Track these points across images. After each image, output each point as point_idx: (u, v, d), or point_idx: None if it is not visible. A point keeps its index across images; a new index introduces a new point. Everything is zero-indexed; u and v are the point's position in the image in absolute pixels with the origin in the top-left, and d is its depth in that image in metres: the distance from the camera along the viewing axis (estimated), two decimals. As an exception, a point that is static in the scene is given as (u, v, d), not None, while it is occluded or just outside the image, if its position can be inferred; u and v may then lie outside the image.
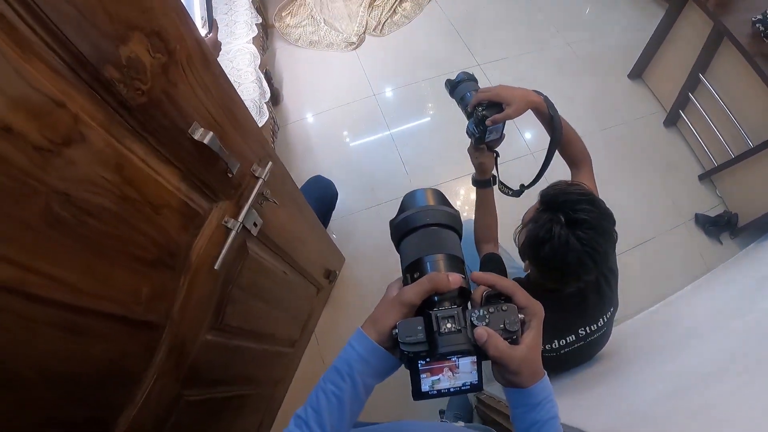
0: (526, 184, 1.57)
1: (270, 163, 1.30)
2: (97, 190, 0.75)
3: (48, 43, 0.64)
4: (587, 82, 3.31)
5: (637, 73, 3.32)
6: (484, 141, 1.38)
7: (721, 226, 2.67)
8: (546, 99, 1.40)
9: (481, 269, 1.49)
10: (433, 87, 3.32)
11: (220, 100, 1.05)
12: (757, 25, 2.34)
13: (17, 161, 0.60)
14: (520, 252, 1.32)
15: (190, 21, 0.90)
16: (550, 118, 1.38)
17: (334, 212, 2.55)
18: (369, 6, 3.71)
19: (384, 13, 3.71)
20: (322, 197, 2.31)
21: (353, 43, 3.58)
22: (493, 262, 1.49)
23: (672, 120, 3.08)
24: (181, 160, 0.96)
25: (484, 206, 1.56)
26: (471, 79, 1.44)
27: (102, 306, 0.82)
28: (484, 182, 1.51)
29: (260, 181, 1.25)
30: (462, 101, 1.41)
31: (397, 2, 3.79)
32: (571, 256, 1.12)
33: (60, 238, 0.71)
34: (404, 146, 3.04)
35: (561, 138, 1.39)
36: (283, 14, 3.84)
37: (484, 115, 1.31)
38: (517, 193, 1.57)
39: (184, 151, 0.96)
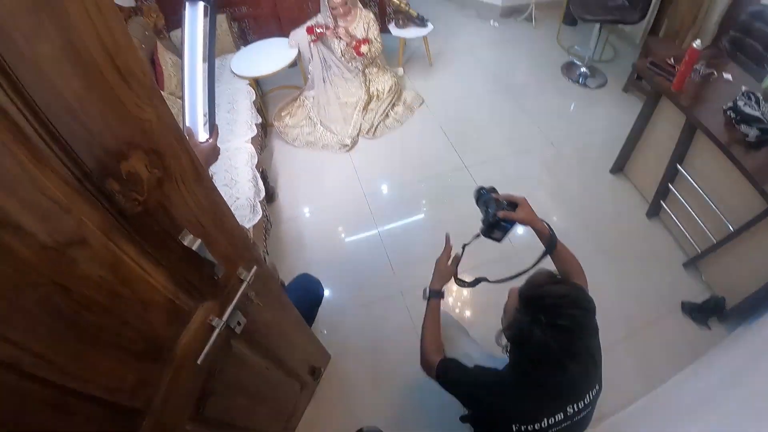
0: (489, 279, 1.76)
1: (255, 267, 1.37)
2: (93, 286, 0.82)
3: (59, 157, 0.73)
4: (572, 180, 3.47)
5: (619, 167, 3.46)
6: (489, 232, 1.67)
7: (708, 311, 2.66)
8: (552, 234, 1.59)
9: (445, 385, 1.58)
10: (422, 188, 3.46)
11: (210, 211, 1.13)
12: (728, 113, 2.48)
13: (24, 255, 0.67)
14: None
15: (184, 140, 1.00)
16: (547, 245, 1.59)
17: (322, 308, 2.55)
18: (363, 110, 3.92)
19: (377, 117, 3.93)
20: (308, 295, 2.35)
21: (347, 145, 3.77)
22: (453, 371, 1.57)
23: (654, 211, 3.16)
24: (171, 263, 1.03)
25: (435, 316, 1.69)
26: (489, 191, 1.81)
27: (89, 389, 0.86)
28: (440, 293, 1.68)
29: (245, 284, 1.32)
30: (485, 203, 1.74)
31: (389, 107, 4.03)
32: (552, 356, 1.19)
33: (55, 325, 0.76)
34: (392, 245, 3.11)
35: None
36: (282, 114, 4.05)
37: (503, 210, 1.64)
38: (473, 284, 1.75)
39: (174, 254, 1.02)
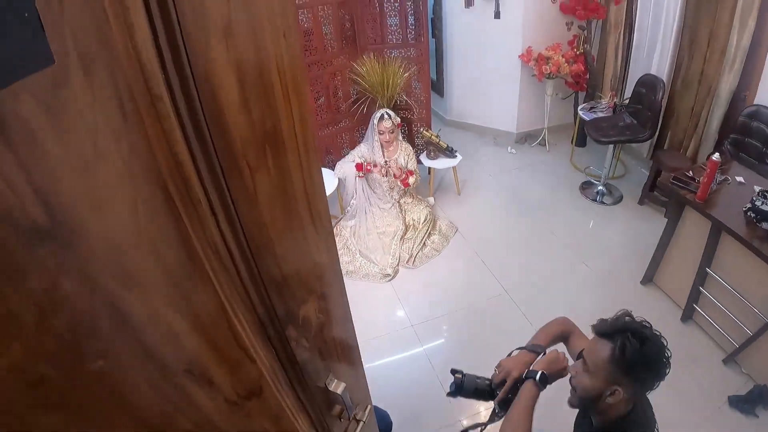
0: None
1: (368, 406, 1.27)
2: None
3: (253, 301, 0.67)
4: (604, 295, 3.45)
5: (649, 277, 3.47)
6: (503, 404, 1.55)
7: (754, 401, 2.66)
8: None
9: None
10: (462, 316, 3.40)
11: (347, 356, 1.07)
12: (748, 213, 2.60)
13: (208, 410, 0.63)
14: (593, 396, 1.39)
15: (343, 284, 0.95)
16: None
17: None
18: (401, 239, 3.93)
19: (415, 246, 3.92)
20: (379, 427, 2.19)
21: (389, 274, 3.72)
22: None
23: (688, 314, 3.16)
24: (314, 408, 0.95)
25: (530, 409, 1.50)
26: (462, 374, 1.65)
27: None
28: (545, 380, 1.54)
29: (361, 424, 1.21)
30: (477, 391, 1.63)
31: (426, 236, 4.04)
32: (664, 346, 1.39)
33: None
34: (443, 371, 2.94)
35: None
36: (320, 244, 4.03)
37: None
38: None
39: (318, 398, 0.95)
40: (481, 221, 4.37)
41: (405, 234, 4.00)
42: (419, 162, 4.48)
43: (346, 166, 3.95)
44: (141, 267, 0.49)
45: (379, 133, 3.80)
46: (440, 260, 3.93)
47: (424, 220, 4.07)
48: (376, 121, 3.77)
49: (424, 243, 4.00)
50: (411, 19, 4.31)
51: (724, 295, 2.84)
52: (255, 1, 0.55)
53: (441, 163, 4.47)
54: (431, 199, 4.55)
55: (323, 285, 0.84)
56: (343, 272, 3.54)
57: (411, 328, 3.30)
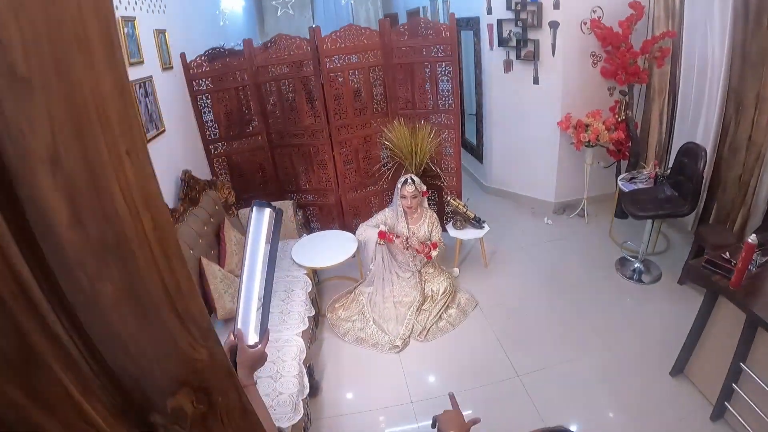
0: None
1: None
2: None
3: (107, 389, 0.71)
4: (629, 385, 3.20)
5: (679, 369, 3.20)
6: None
7: None
8: None
9: None
10: (471, 397, 3.25)
11: None
12: None
13: None
14: None
15: (234, 377, 0.96)
16: None
17: None
18: (417, 310, 3.88)
19: (430, 319, 3.86)
20: None
21: (398, 346, 3.67)
22: None
23: (719, 413, 2.86)
24: None
25: None
26: None
27: None
28: None
29: None
30: None
31: (443, 309, 3.96)
32: None
33: None
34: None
35: None
36: (336, 305, 4.07)
37: None
38: None
39: None
40: (505, 297, 4.25)
41: (422, 305, 3.96)
42: (444, 230, 4.49)
43: (369, 231, 3.99)
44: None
45: (402, 198, 3.84)
46: (454, 335, 3.83)
47: (443, 292, 4.02)
48: (399, 185, 3.82)
49: (440, 316, 3.93)
50: (443, 85, 4.36)
51: (759, 395, 2.56)
52: (88, 125, 0.59)
53: (467, 234, 4.44)
54: (456, 270, 4.51)
55: (201, 379, 0.86)
56: (354, 339, 3.60)
57: (410, 405, 3.21)
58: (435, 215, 4.02)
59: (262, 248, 1.48)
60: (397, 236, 3.90)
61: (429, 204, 4.73)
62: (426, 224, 3.97)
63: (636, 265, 4.31)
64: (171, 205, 3.25)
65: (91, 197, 0.61)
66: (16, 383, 0.60)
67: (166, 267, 0.73)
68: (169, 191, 3.40)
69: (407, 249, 3.89)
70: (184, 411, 0.84)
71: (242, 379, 1.43)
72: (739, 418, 2.72)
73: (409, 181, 3.78)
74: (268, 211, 1.45)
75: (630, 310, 3.97)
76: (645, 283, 4.21)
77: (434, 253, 3.89)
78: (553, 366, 3.44)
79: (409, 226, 3.97)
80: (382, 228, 3.92)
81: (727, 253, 2.81)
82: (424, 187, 3.93)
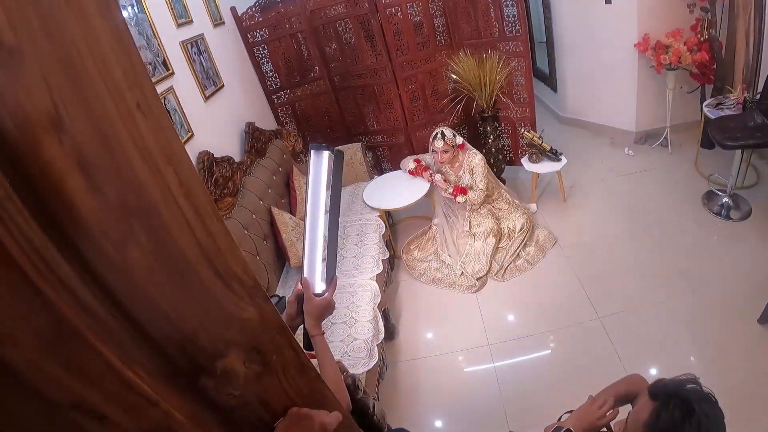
0: None
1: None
2: None
3: (150, 356, 0.68)
4: (713, 331, 2.99)
5: None
6: None
7: None
8: None
9: None
10: (550, 340, 3.17)
11: (312, 399, 1.04)
12: None
13: None
14: None
15: (288, 333, 0.93)
16: None
17: None
18: (494, 248, 3.78)
19: (508, 257, 3.76)
20: None
21: (475, 285, 3.61)
22: None
23: None
24: None
25: None
26: None
27: None
28: None
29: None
30: None
31: (521, 247, 3.85)
32: (713, 427, 1.14)
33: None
34: (513, 404, 2.82)
35: None
36: (411, 247, 4.04)
37: None
38: None
39: None
40: (585, 233, 4.05)
41: (499, 242, 3.85)
42: (519, 165, 4.31)
43: (410, 163, 4.03)
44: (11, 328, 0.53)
45: (433, 152, 3.72)
46: (532, 274, 3.72)
47: (521, 229, 3.89)
48: (431, 139, 3.68)
49: (518, 254, 3.82)
50: (508, 10, 4.08)
51: None
52: (88, 83, 0.54)
53: (543, 168, 4.24)
54: (533, 206, 4.35)
55: (252, 339, 0.83)
56: (431, 279, 3.58)
57: (487, 347, 3.17)
58: (480, 161, 3.75)
59: (323, 193, 1.43)
60: (425, 169, 3.84)
61: (502, 136, 4.56)
62: (466, 174, 3.79)
63: (724, 200, 3.95)
64: (237, 159, 3.27)
65: (105, 159, 0.57)
66: (55, 359, 0.58)
67: (198, 225, 0.69)
68: (234, 145, 3.42)
69: (431, 181, 3.83)
70: (236, 372, 0.82)
71: (309, 329, 1.42)
72: None
73: (439, 136, 3.60)
74: (326, 153, 1.40)
75: (717, 249, 3.67)
76: (734, 220, 3.85)
77: (461, 199, 3.74)
78: (634, 308, 3.27)
79: (451, 175, 3.86)
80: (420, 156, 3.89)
81: None
82: (460, 140, 3.73)
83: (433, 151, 3.68)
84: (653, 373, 2.83)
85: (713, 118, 3.92)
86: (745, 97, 3.91)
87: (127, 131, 0.58)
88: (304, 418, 0.94)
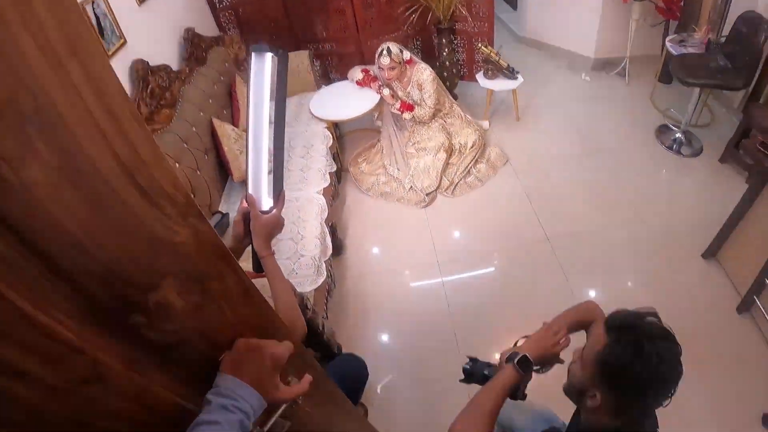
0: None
1: (311, 377, 1.19)
2: (115, 418, 0.70)
3: (67, 296, 0.59)
4: (659, 262, 3.10)
5: (712, 252, 3.06)
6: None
7: None
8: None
9: None
10: (498, 257, 3.21)
11: (260, 327, 0.97)
12: None
13: (32, 400, 0.57)
14: (578, 389, 1.26)
15: (229, 257, 0.84)
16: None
17: (377, 380, 2.47)
18: (444, 164, 3.73)
19: (458, 173, 3.73)
20: (351, 377, 2.13)
21: (424, 200, 3.57)
22: None
23: (745, 306, 2.77)
24: (211, 383, 0.87)
25: (503, 393, 1.33)
26: (474, 361, 1.55)
27: None
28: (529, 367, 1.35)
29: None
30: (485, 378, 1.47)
31: (471, 163, 3.81)
32: (664, 366, 1.09)
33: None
34: (461, 320, 2.86)
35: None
36: (359, 160, 3.94)
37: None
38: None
39: (214, 374, 0.87)
40: (537, 154, 4.05)
41: (449, 158, 3.79)
42: (474, 81, 4.20)
43: (356, 72, 3.85)
44: None
45: (379, 69, 3.55)
46: (482, 192, 3.71)
47: (472, 146, 3.83)
48: (377, 55, 3.49)
49: (469, 171, 3.79)
50: None
51: None
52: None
53: (498, 84, 4.15)
54: (485, 123, 4.28)
55: (186, 265, 0.73)
56: (378, 193, 3.52)
57: (435, 263, 3.18)
58: (429, 76, 3.60)
59: (267, 101, 1.30)
60: (374, 80, 3.70)
61: (458, 50, 4.40)
62: (414, 90, 3.66)
63: (677, 135, 4.02)
64: (175, 67, 3.03)
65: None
66: None
67: (113, 131, 0.57)
68: (172, 53, 3.16)
69: (379, 93, 3.69)
70: (171, 305, 0.72)
71: (258, 250, 1.32)
72: (766, 315, 2.60)
73: (384, 52, 3.41)
74: (269, 55, 1.26)
75: (666, 182, 3.77)
76: (684, 156, 3.93)
77: (407, 115, 3.65)
78: (583, 231, 3.33)
79: (399, 90, 3.72)
80: (372, 73, 3.73)
81: None
82: (407, 55, 3.55)
83: (380, 68, 3.52)
84: (593, 294, 2.92)
85: (675, 54, 3.93)
86: (709, 38, 3.91)
87: (19, 14, 0.45)
88: (252, 350, 0.86)
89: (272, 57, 1.25)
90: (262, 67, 1.26)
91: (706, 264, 3.06)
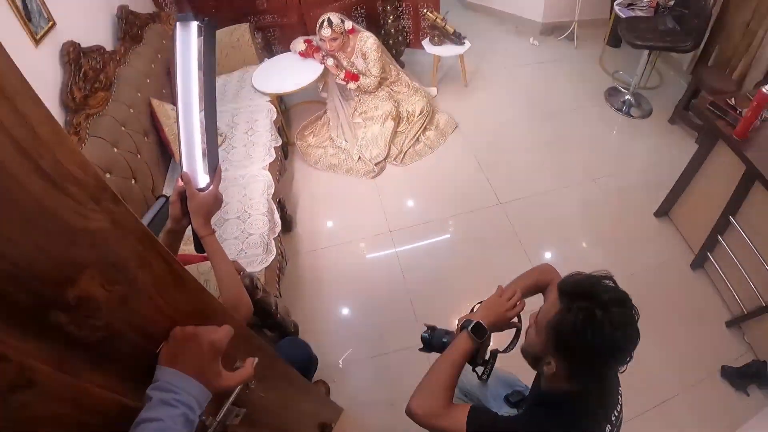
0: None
1: (255, 359, 1.14)
2: (55, 424, 0.66)
3: None
4: (613, 222, 3.18)
5: (664, 211, 3.16)
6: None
7: (748, 377, 2.42)
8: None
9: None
10: (452, 225, 3.21)
11: (199, 312, 0.92)
12: None
13: None
14: (534, 355, 1.24)
15: (154, 242, 0.78)
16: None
17: (335, 355, 2.50)
18: (392, 132, 3.68)
19: (407, 142, 3.70)
20: (297, 362, 2.09)
21: (373, 171, 3.54)
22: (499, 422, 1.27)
23: (699, 263, 2.88)
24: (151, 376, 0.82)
25: (460, 359, 1.33)
26: (432, 329, 1.53)
27: None
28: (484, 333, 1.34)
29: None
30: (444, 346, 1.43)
31: (420, 131, 3.78)
32: (618, 333, 1.06)
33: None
34: (417, 288, 2.87)
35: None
36: (305, 133, 3.86)
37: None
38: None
39: (153, 367, 0.82)
40: (486, 120, 4.04)
41: (397, 126, 3.74)
42: (420, 48, 4.15)
43: (298, 44, 3.79)
44: None
45: (321, 41, 3.49)
46: (432, 159, 3.70)
47: (420, 113, 3.79)
48: (317, 27, 3.41)
49: (418, 138, 3.76)
50: None
51: (743, 253, 2.48)
52: None
53: (445, 50, 4.11)
54: (433, 90, 4.24)
55: (106, 254, 0.67)
56: (326, 166, 3.48)
57: (388, 234, 3.17)
58: (373, 45, 3.53)
59: (195, 73, 1.22)
60: (317, 51, 3.63)
61: (403, 17, 4.32)
62: (359, 59, 3.60)
63: (626, 97, 4.09)
64: (110, 48, 2.85)
65: None
66: None
67: (8, 111, 0.50)
68: (105, 32, 2.95)
69: (322, 63, 3.63)
70: (94, 298, 0.66)
71: (198, 229, 1.26)
72: (719, 270, 2.70)
73: (325, 24, 3.33)
74: (194, 24, 1.18)
75: (616, 143, 3.84)
76: (634, 118, 4.01)
77: (352, 86, 3.61)
78: (534, 195, 3.36)
79: (343, 60, 3.65)
80: (314, 43, 3.66)
81: (733, 99, 2.54)
82: (349, 25, 3.46)
83: (321, 39, 3.44)
84: (548, 257, 2.97)
85: (624, 17, 3.97)
86: (658, 2, 3.96)
87: None
88: (189, 338, 0.81)
89: (197, 25, 1.18)
90: (189, 36, 1.19)
91: (659, 222, 3.15)
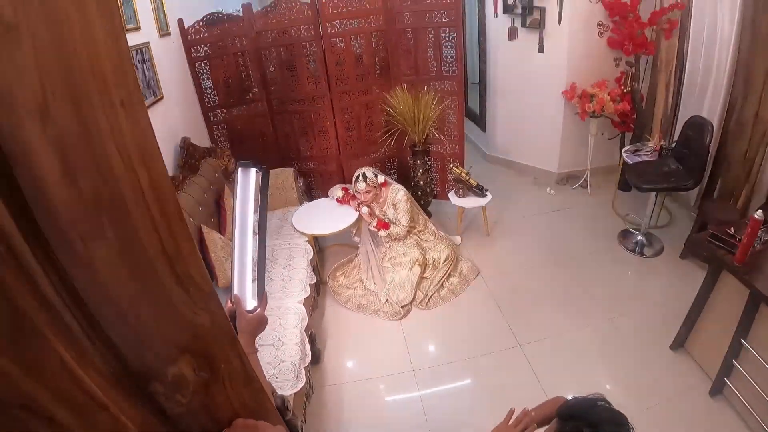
0: None
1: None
2: None
3: (104, 356, 0.67)
4: (630, 358, 3.19)
5: (680, 343, 3.17)
6: None
7: None
8: None
9: None
10: (472, 367, 3.25)
11: (255, 411, 1.03)
12: None
13: None
14: None
15: (237, 343, 0.93)
16: None
17: None
18: (419, 278, 3.86)
19: (432, 287, 3.85)
20: None
21: (399, 313, 3.67)
22: None
23: (718, 389, 2.84)
24: None
25: None
26: None
27: None
28: None
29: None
30: None
31: (445, 277, 3.95)
32: None
33: None
34: (436, 424, 2.87)
35: None
36: (337, 273, 4.05)
37: None
38: None
39: None
40: (507, 266, 4.23)
41: (423, 272, 3.94)
42: (446, 199, 4.46)
43: (337, 191, 4.11)
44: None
45: (356, 193, 3.85)
46: (456, 304, 3.83)
47: (445, 260, 4.00)
48: (353, 180, 3.79)
49: (442, 284, 3.92)
50: (447, 51, 4.28)
51: (759, 373, 2.51)
52: (79, 75, 0.55)
53: (469, 202, 4.40)
54: (458, 239, 4.48)
55: (203, 345, 0.83)
56: (356, 306, 3.61)
57: (411, 372, 3.22)
58: (403, 197, 3.88)
59: (251, 213, 1.43)
60: (353, 199, 3.94)
61: (431, 170, 4.67)
62: (390, 211, 3.92)
63: (638, 238, 4.28)
64: (171, 173, 3.20)
65: (84, 151, 0.57)
66: (6, 351, 0.56)
67: (164, 227, 0.70)
68: (168, 159, 3.35)
69: (357, 210, 3.93)
70: (186, 379, 0.81)
71: (244, 346, 1.39)
72: (738, 395, 2.69)
73: (360, 178, 3.72)
74: (253, 171, 1.40)
75: (631, 282, 3.97)
76: (647, 257, 4.17)
77: (383, 233, 3.89)
78: (553, 336, 3.43)
79: (376, 209, 3.97)
80: (348, 186, 3.99)
81: (732, 228, 2.73)
82: (381, 179, 3.85)
83: (356, 191, 3.78)
84: (568, 395, 2.96)
85: (631, 163, 4.23)
86: (661, 145, 4.25)
87: (109, 126, 0.59)
88: (249, 429, 0.94)
89: (256, 172, 1.40)
90: (248, 181, 1.40)
91: (675, 355, 3.18)
